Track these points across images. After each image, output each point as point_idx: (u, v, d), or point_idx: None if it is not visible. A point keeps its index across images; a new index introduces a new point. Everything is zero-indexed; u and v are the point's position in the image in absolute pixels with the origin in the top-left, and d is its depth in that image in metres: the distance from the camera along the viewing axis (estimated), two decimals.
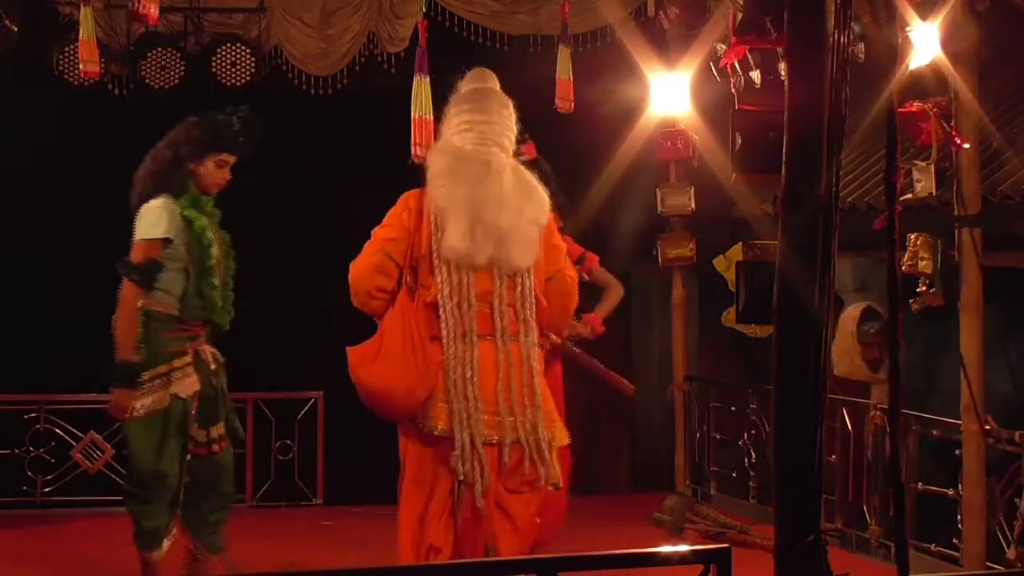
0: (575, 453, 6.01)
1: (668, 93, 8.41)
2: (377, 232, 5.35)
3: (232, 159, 5.93)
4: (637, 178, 8.94)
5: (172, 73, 7.93)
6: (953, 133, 6.38)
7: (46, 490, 8.54)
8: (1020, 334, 9.08)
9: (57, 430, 8.54)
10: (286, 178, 9.16)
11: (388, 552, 5.57)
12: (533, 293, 5.29)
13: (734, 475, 8.70)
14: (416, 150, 6.96)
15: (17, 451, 8.52)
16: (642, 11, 8.33)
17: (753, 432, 8.43)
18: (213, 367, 5.91)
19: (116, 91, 8.09)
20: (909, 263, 6.55)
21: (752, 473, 8.43)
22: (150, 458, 5.76)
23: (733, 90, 5.93)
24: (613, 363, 7.05)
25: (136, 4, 6.20)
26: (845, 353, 8.07)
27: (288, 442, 8.79)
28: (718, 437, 8.81)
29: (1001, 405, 8.12)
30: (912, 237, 6.57)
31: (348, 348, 5.29)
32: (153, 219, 5.77)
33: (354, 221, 5.52)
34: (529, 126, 5.72)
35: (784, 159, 4.21)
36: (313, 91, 8.33)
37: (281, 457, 8.79)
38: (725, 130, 5.57)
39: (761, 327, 7.53)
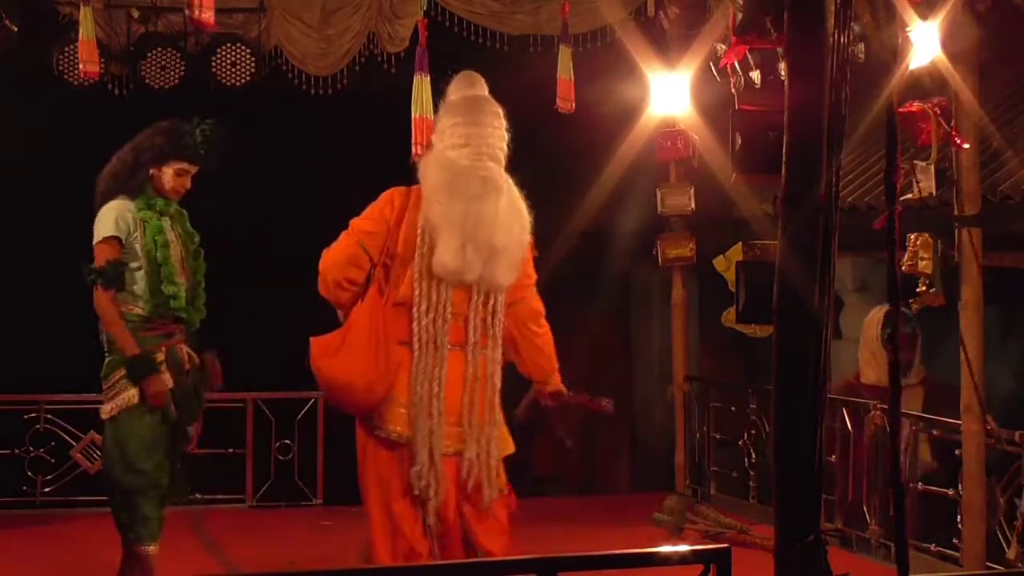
0: (575, 453, 5.99)
1: (668, 93, 8.39)
2: (356, 223, 5.34)
3: (193, 169, 5.99)
4: (637, 178, 8.93)
5: (172, 73, 7.92)
6: (953, 133, 6.37)
7: (46, 490, 8.53)
8: (1020, 334, 9.07)
9: (57, 430, 8.53)
10: (286, 178, 9.15)
11: None
12: (503, 310, 5.33)
13: (734, 475, 8.69)
14: (416, 149, 6.94)
15: (17, 451, 8.51)
16: (642, 11, 8.32)
17: (753, 432, 8.42)
18: (187, 367, 5.95)
19: (116, 91, 8.07)
20: (909, 263, 6.54)
21: (752, 473, 8.42)
22: (142, 456, 5.81)
23: (733, 90, 5.94)
24: (613, 363, 7.04)
25: (195, 10, 6.30)
26: (871, 359, 7.61)
27: (288, 442, 8.79)
28: (718, 437, 8.80)
29: (1001, 405, 8.12)
30: (912, 237, 6.56)
31: (312, 338, 5.29)
32: (105, 221, 5.90)
33: None
34: (529, 126, 5.71)
35: (784, 159, 4.22)
36: (313, 91, 8.31)
37: (281, 457, 8.79)
38: (725, 130, 5.57)
39: (761, 327, 7.49)
